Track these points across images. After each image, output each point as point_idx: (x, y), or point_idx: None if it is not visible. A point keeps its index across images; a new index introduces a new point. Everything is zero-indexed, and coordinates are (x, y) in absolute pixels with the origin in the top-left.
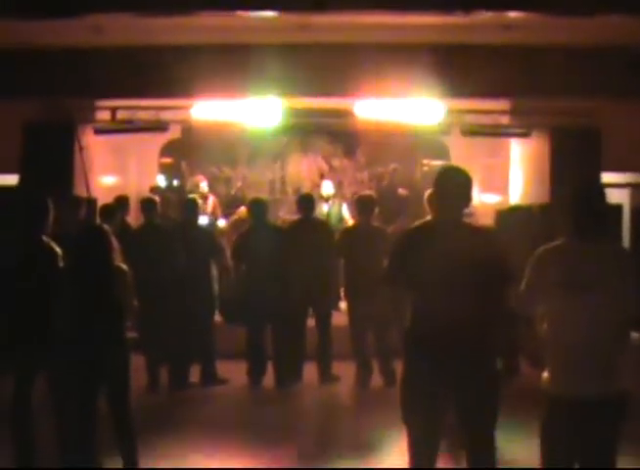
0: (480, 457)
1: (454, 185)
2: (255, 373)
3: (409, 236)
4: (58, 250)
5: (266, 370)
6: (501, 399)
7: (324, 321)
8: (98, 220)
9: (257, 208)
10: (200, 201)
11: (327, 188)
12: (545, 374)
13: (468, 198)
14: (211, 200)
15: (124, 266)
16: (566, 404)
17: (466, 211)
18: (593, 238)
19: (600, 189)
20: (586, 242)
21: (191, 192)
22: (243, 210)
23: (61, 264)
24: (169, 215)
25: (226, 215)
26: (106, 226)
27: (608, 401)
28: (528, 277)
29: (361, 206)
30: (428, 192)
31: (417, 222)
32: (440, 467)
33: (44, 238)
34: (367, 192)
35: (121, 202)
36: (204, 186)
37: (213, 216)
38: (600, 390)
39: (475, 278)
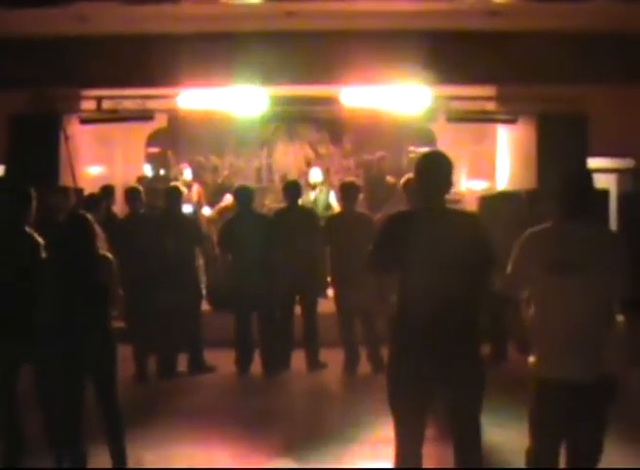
0: (465, 443)
1: (435, 170)
2: (243, 361)
3: (392, 222)
4: (40, 240)
5: (254, 358)
6: (487, 384)
7: (309, 309)
8: (82, 210)
9: (243, 195)
10: (184, 189)
11: (315, 175)
12: (532, 358)
13: (449, 182)
14: (196, 188)
15: (109, 255)
16: (554, 388)
17: (452, 197)
18: (581, 220)
19: (588, 173)
20: (574, 224)
21: (175, 181)
22: (229, 198)
23: (43, 255)
24: (156, 205)
25: (213, 204)
26: (89, 215)
27: (596, 384)
28: (515, 259)
29: (345, 192)
30: (404, 178)
31: (400, 209)
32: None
33: (27, 229)
34: (350, 178)
35: (107, 191)
36: (187, 174)
37: (198, 205)
38: (588, 373)
39: (460, 263)
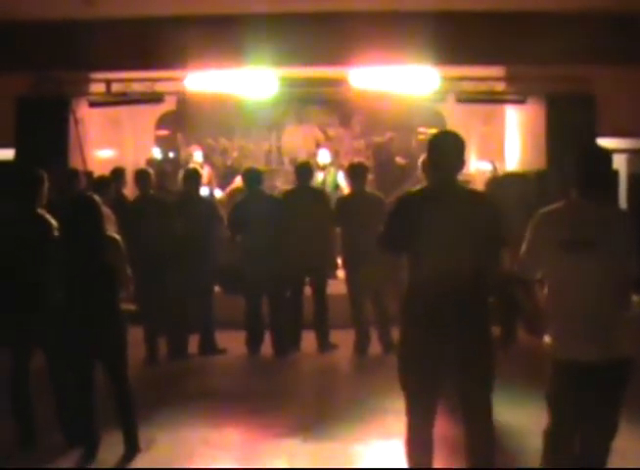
0: (476, 423)
1: (448, 148)
2: (253, 342)
3: (404, 201)
4: (53, 221)
5: (264, 339)
6: (498, 365)
7: (320, 290)
8: (91, 192)
9: (251, 177)
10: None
11: (323, 157)
12: (547, 338)
13: (462, 161)
14: (206, 171)
15: (116, 236)
16: (568, 369)
17: (462, 178)
18: (596, 198)
19: (606, 151)
20: (590, 202)
21: (186, 163)
22: (239, 180)
23: (56, 235)
24: (166, 187)
25: (222, 186)
26: (95, 196)
27: (610, 366)
28: (530, 240)
29: (353, 173)
30: (422, 158)
31: (412, 188)
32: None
33: (39, 210)
34: (357, 159)
35: (117, 174)
36: (198, 157)
37: (209, 187)
38: (602, 354)
39: (471, 242)
